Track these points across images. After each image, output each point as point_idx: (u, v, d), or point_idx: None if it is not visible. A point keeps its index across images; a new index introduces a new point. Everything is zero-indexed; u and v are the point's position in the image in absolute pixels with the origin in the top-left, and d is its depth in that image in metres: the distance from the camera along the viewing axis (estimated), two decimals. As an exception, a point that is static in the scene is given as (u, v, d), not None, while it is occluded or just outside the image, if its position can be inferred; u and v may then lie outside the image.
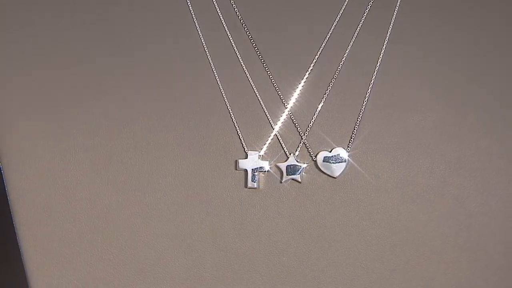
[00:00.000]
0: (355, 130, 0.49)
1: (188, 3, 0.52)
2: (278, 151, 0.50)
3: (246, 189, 0.50)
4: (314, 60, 0.51)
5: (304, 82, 0.50)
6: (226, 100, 0.51)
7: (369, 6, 0.51)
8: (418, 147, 0.49)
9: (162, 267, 0.50)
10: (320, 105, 0.50)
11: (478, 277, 0.48)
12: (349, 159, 0.49)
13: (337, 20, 0.51)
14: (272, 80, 0.51)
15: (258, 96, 0.51)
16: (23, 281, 0.50)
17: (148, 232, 0.50)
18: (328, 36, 0.51)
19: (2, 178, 0.51)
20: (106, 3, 0.53)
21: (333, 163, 0.49)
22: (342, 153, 0.49)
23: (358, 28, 0.51)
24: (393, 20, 0.51)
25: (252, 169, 0.49)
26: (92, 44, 0.52)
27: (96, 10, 0.53)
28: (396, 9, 0.51)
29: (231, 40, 0.52)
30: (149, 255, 0.50)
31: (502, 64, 0.50)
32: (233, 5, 0.52)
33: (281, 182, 0.49)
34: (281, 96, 0.50)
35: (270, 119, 0.50)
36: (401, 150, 0.49)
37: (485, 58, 0.50)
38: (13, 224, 0.51)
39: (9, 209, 0.51)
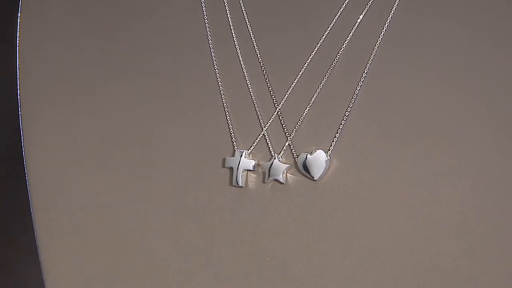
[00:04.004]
0: (337, 133, 0.49)
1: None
2: (265, 150, 0.51)
3: (231, 187, 0.51)
4: (308, 61, 0.51)
5: (296, 82, 0.51)
6: (223, 97, 0.52)
7: (366, 9, 0.51)
8: (401, 153, 0.48)
9: (155, 260, 0.51)
10: (309, 106, 0.50)
11: (458, 286, 0.46)
12: (330, 161, 0.48)
13: (333, 22, 0.51)
14: (267, 79, 0.51)
15: (252, 94, 0.51)
16: (37, 269, 0.54)
17: (143, 225, 0.52)
18: (323, 38, 0.51)
19: (25, 176, 0.55)
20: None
21: (313, 165, 0.48)
22: (323, 155, 0.48)
23: (352, 32, 0.50)
24: (385, 26, 0.50)
25: (239, 168, 0.50)
26: (97, 43, 0.55)
27: (101, 8, 0.56)
28: (392, 13, 0.50)
29: (235, 41, 0.53)
30: (144, 247, 0.52)
31: (503, 65, 0.47)
32: (241, 3, 0.53)
33: (264, 182, 0.50)
34: (273, 96, 0.51)
35: (260, 118, 0.51)
36: (383, 155, 0.48)
37: (481, 62, 0.48)
38: (31, 216, 0.54)
39: (29, 202, 0.54)
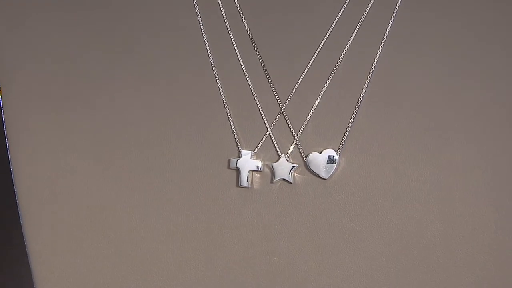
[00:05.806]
0: (346, 132, 0.49)
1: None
2: (271, 150, 0.50)
3: (238, 188, 0.50)
4: (312, 60, 0.51)
5: (300, 82, 0.50)
6: (224, 98, 0.51)
7: (368, 7, 0.51)
8: (411, 151, 0.48)
9: (157, 262, 0.50)
10: (315, 106, 0.50)
11: (471, 282, 0.47)
12: (340, 160, 0.49)
13: (336, 20, 0.51)
14: (269, 79, 0.51)
15: (255, 95, 0.51)
16: (27, 272, 0.52)
17: (144, 228, 0.51)
18: (326, 37, 0.51)
19: (11, 173, 0.53)
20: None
21: (323, 164, 0.48)
22: (333, 154, 0.48)
23: (357, 28, 0.51)
24: (391, 22, 0.50)
25: (244, 168, 0.50)
26: (94, 42, 0.54)
27: (98, 7, 0.54)
28: (395, 11, 0.51)
29: (233, 41, 0.52)
30: (144, 250, 0.50)
31: (504, 64, 0.49)
32: (236, 3, 0.53)
33: (272, 182, 0.50)
34: (277, 96, 0.51)
35: (264, 119, 0.51)
36: (393, 153, 0.48)
37: (488, 58, 0.49)
38: (19, 217, 0.52)
39: (16, 202, 0.52)
